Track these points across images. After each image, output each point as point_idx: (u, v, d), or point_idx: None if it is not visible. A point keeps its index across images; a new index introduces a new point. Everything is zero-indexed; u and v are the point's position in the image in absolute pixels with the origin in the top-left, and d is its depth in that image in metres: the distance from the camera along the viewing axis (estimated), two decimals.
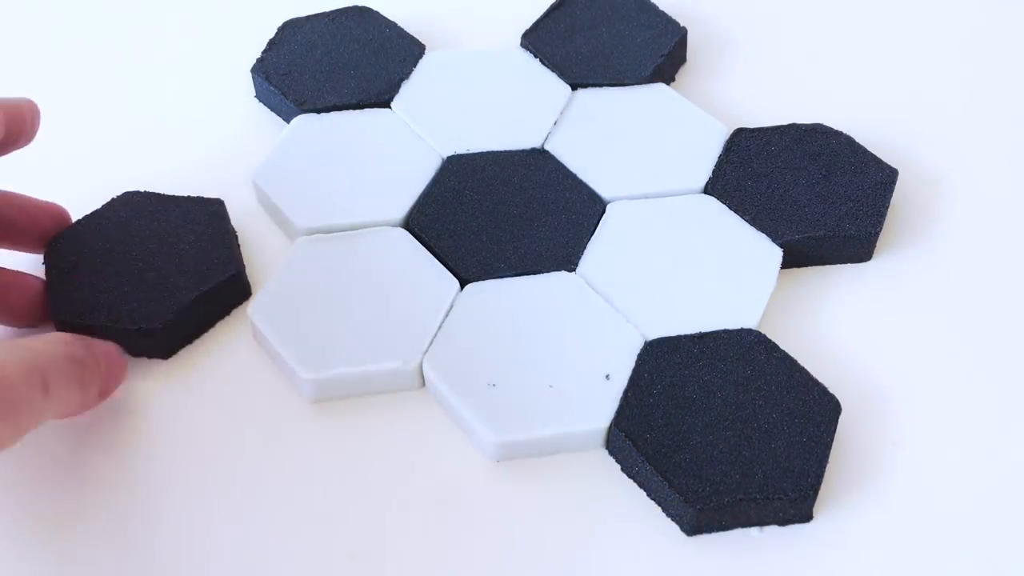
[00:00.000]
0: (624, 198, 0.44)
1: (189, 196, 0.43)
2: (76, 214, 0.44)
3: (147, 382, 0.39)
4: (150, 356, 0.40)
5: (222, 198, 0.43)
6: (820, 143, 0.45)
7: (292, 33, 0.51)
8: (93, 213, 0.43)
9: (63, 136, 0.49)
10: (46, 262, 0.41)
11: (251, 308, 0.40)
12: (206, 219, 0.42)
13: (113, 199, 0.43)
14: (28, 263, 0.42)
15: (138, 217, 0.42)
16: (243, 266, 0.41)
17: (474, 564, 0.34)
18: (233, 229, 0.43)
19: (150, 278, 0.40)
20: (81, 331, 0.38)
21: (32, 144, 0.48)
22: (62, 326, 0.39)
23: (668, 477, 0.35)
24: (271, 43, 0.50)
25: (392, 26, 0.51)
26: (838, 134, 0.46)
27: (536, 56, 0.50)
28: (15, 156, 0.50)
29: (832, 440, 0.36)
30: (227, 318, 0.41)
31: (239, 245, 0.43)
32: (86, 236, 0.42)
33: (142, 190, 0.43)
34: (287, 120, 0.48)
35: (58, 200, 0.46)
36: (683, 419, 0.36)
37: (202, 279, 0.40)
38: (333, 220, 0.43)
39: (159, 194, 0.43)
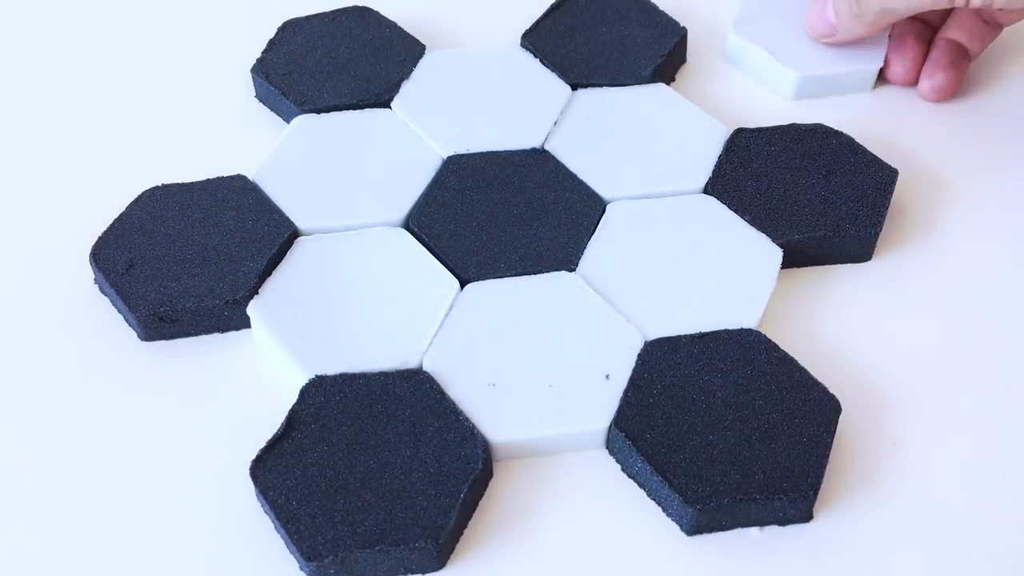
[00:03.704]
0: (624, 198, 0.44)
1: (209, 179, 0.44)
2: (81, 214, 0.44)
3: (145, 380, 0.39)
4: (237, 329, 0.40)
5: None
6: (820, 143, 0.45)
7: (292, 33, 0.51)
8: (123, 213, 0.43)
9: (63, 138, 0.49)
10: (98, 268, 0.41)
11: (251, 307, 0.40)
12: (236, 195, 0.43)
13: (138, 196, 0.43)
14: (71, 271, 0.42)
15: (170, 208, 0.43)
16: (295, 226, 0.42)
17: (473, 564, 0.34)
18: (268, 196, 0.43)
19: (212, 257, 0.41)
20: (165, 321, 0.39)
21: (31, 146, 0.48)
22: (147, 320, 0.39)
23: (668, 477, 0.35)
24: (271, 43, 0.50)
25: (392, 26, 0.51)
26: (838, 134, 0.46)
27: (536, 56, 0.50)
28: (17, 161, 0.50)
29: (832, 440, 0.36)
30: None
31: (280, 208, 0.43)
32: (127, 235, 0.42)
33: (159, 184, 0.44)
34: (287, 120, 0.48)
35: (61, 200, 0.46)
36: (683, 419, 0.36)
37: (265, 245, 0.41)
38: (333, 220, 0.43)
39: (180, 183, 0.44)
